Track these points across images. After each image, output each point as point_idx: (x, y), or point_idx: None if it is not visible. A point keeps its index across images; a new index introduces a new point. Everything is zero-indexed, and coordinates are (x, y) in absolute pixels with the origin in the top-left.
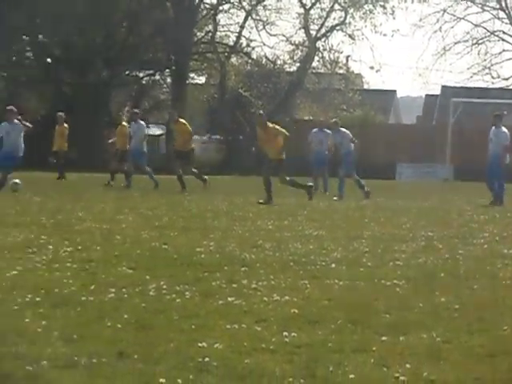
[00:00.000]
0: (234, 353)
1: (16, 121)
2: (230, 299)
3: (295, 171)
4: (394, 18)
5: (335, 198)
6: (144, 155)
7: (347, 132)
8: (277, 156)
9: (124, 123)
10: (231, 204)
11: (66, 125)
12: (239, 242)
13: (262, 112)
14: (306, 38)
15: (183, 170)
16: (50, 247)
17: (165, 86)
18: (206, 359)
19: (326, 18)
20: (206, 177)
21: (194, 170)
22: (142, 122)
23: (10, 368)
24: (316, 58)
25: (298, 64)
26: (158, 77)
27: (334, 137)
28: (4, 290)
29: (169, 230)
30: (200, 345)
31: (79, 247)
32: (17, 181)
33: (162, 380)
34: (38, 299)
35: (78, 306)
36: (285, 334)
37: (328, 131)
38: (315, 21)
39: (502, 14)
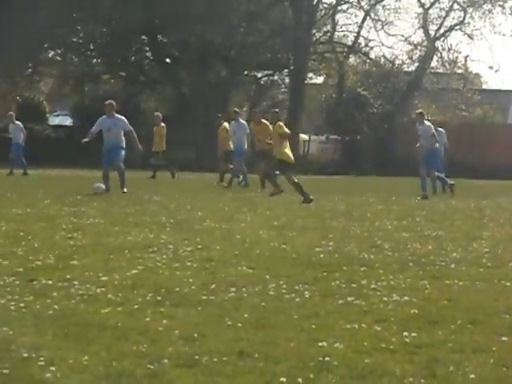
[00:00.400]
0: (354, 352)
1: (118, 115)
2: (349, 299)
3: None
4: None
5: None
6: (242, 154)
7: (430, 127)
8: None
9: (225, 124)
10: (349, 204)
11: (163, 124)
12: (358, 242)
13: (277, 110)
14: (424, 38)
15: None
16: (170, 246)
17: (283, 86)
18: (327, 359)
19: (444, 18)
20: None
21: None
22: (243, 121)
23: (132, 366)
24: (435, 58)
25: (416, 64)
26: (276, 77)
27: (418, 129)
28: (125, 289)
29: (287, 229)
30: (320, 344)
31: (199, 246)
32: (101, 185)
33: (282, 379)
34: (158, 298)
35: (198, 305)
36: (405, 334)
37: (441, 130)
38: (434, 20)
39: None
